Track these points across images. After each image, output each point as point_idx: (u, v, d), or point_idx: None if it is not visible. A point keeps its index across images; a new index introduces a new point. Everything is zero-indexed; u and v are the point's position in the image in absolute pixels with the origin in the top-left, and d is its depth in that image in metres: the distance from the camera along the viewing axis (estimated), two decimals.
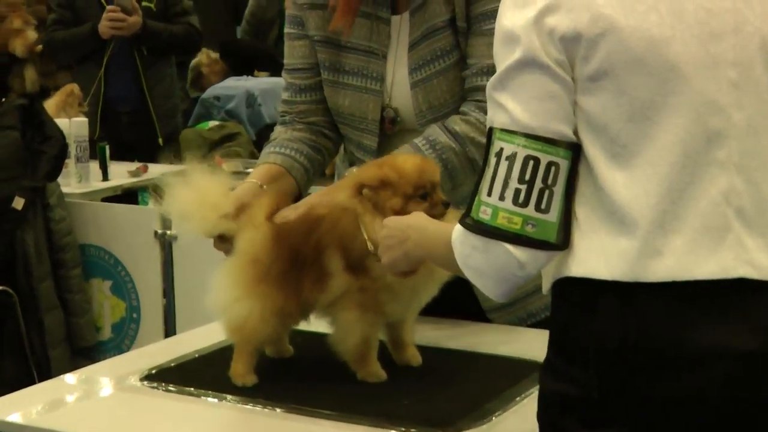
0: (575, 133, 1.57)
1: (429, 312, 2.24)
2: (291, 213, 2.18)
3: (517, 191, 1.55)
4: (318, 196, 2.22)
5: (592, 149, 1.57)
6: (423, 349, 2.21)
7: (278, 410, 2.00)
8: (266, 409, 2.01)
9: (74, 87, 5.32)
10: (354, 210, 2.05)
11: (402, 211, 2.02)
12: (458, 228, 1.64)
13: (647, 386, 1.54)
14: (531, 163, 1.55)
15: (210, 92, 6.88)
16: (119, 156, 5.24)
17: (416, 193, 2.06)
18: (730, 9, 1.58)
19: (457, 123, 2.32)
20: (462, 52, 2.35)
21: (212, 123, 6.45)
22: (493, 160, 1.58)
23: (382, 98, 2.40)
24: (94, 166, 4.91)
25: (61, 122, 4.53)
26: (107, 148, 4.95)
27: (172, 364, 2.27)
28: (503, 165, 1.56)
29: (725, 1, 1.59)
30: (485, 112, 2.29)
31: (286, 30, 2.52)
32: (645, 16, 1.54)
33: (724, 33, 1.57)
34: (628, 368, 1.54)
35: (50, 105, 5.02)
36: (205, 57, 7.66)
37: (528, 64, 1.55)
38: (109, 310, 4.56)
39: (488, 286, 1.62)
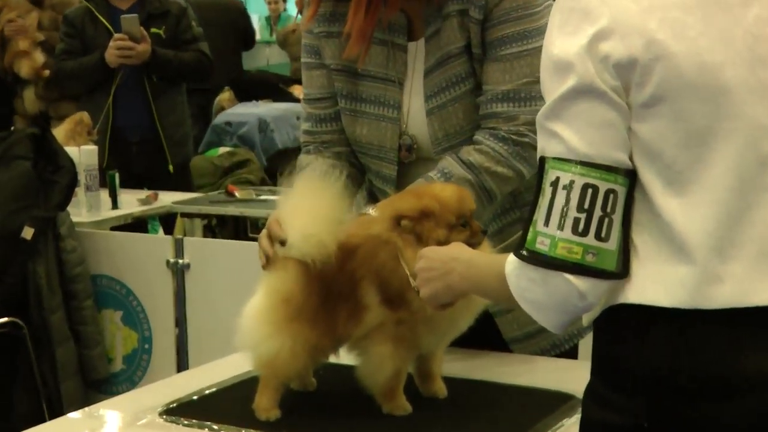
0: (630, 159, 1.56)
1: (450, 343, 2.19)
2: None
3: (576, 220, 1.54)
4: (350, 228, 2.14)
5: (647, 176, 1.55)
6: (448, 381, 2.18)
7: None
8: None
9: (84, 115, 5.30)
10: (393, 242, 2.01)
11: (446, 242, 1.98)
12: (513, 260, 1.61)
13: (699, 413, 1.52)
14: (590, 191, 1.53)
15: (221, 118, 6.89)
16: (128, 184, 5.20)
17: (458, 223, 2.03)
18: None
19: (471, 153, 2.29)
20: (478, 78, 2.32)
21: (222, 149, 6.45)
22: (548, 189, 1.56)
23: (399, 126, 2.37)
24: (104, 194, 4.87)
25: (70, 150, 4.51)
26: (117, 176, 4.92)
27: (194, 398, 2.24)
28: (560, 194, 1.54)
29: None
30: (499, 140, 2.29)
31: (304, 60, 2.49)
32: (695, 42, 1.54)
33: None
34: (679, 394, 1.52)
35: (59, 133, 4.99)
36: (227, 95, 7.72)
37: (583, 92, 1.54)
38: (121, 341, 4.52)
39: (548, 319, 1.60)
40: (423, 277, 1.89)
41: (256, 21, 13.16)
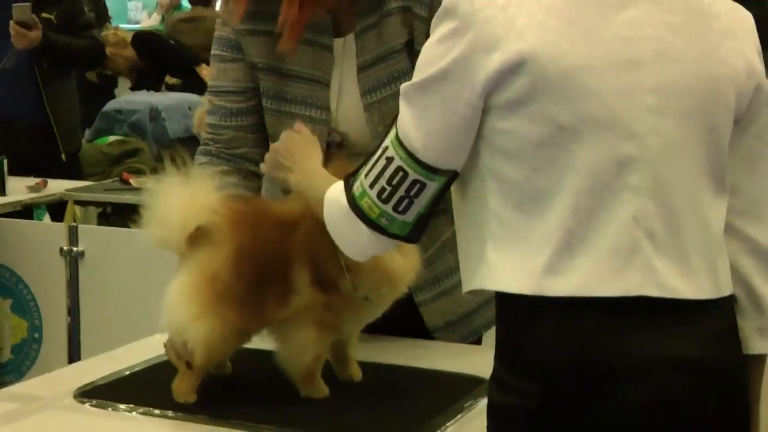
0: (488, 153, 1.67)
1: (372, 329, 2.24)
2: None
3: (383, 189, 1.70)
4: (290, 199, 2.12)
5: (510, 171, 1.65)
6: (367, 366, 2.22)
7: (223, 428, 1.99)
8: (211, 426, 1.99)
9: None
10: None
11: None
12: (337, 188, 1.78)
13: (588, 396, 1.61)
14: (401, 174, 1.69)
15: (111, 106, 6.78)
16: (16, 171, 5.11)
17: None
18: (652, 37, 1.65)
19: None
20: None
21: (112, 138, 6.36)
22: (381, 149, 1.72)
23: (328, 127, 2.36)
24: None
25: None
26: (5, 162, 4.84)
27: (113, 379, 2.24)
28: (382, 161, 1.71)
29: (647, 28, 1.65)
30: None
31: (215, 51, 2.46)
32: (557, 45, 1.62)
33: (643, 60, 1.64)
34: (568, 379, 1.62)
35: None
36: (112, 35, 7.25)
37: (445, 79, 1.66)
38: (10, 330, 4.48)
39: (348, 249, 1.80)
40: (273, 158, 2.08)
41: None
